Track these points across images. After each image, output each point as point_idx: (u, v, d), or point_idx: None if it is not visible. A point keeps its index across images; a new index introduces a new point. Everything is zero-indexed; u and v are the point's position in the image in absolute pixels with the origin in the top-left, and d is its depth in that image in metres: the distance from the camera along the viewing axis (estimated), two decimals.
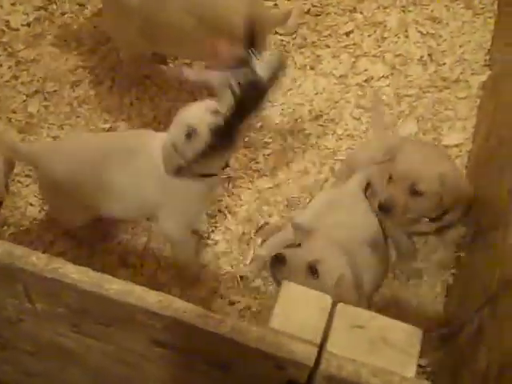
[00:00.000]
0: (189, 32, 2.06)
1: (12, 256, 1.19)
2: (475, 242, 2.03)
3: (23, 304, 1.32)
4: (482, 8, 2.60)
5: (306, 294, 1.16)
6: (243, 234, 2.20)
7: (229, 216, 2.22)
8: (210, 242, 2.19)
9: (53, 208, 2.16)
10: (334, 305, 1.13)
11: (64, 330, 1.37)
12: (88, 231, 2.13)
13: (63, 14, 2.58)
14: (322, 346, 1.11)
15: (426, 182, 1.84)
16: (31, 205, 2.27)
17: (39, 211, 2.25)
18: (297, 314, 1.13)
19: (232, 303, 2.09)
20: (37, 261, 1.18)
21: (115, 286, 1.17)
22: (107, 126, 2.38)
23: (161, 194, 1.87)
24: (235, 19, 2.01)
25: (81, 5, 2.60)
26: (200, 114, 1.73)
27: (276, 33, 2.57)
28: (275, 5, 2.63)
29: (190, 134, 1.72)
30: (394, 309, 2.11)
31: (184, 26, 2.06)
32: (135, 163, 1.86)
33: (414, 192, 1.85)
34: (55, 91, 2.44)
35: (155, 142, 1.85)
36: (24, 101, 2.43)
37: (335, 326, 1.11)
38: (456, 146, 2.35)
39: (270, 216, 2.21)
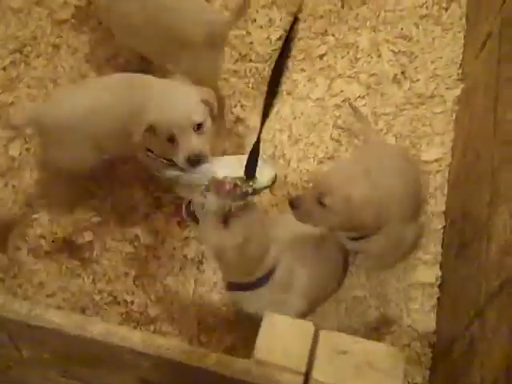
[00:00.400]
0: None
1: None
2: (460, 255, 2.04)
3: (10, 351, 1.32)
4: (451, 23, 2.64)
5: (287, 322, 1.16)
6: None
7: None
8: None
9: (59, 160, 2.21)
10: (316, 331, 1.14)
11: (53, 375, 1.37)
12: None
13: (38, 56, 2.60)
14: (307, 375, 1.11)
15: (331, 196, 1.84)
16: (18, 248, 2.27)
17: (26, 255, 2.26)
18: (280, 343, 1.13)
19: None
20: (19, 308, 1.19)
21: (98, 328, 1.17)
22: None
23: None
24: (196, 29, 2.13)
25: (55, 46, 2.62)
26: None
27: (251, 60, 2.60)
28: (248, 33, 2.66)
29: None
30: (385, 328, 2.12)
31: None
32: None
33: (320, 202, 1.86)
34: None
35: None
36: (5, 145, 2.43)
37: (319, 352, 1.12)
38: (436, 160, 2.37)
39: None
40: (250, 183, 1.76)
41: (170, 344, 1.14)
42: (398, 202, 1.98)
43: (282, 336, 1.15)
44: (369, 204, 1.85)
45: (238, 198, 1.74)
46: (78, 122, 2.06)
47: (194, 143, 1.92)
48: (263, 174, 1.86)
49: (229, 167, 1.87)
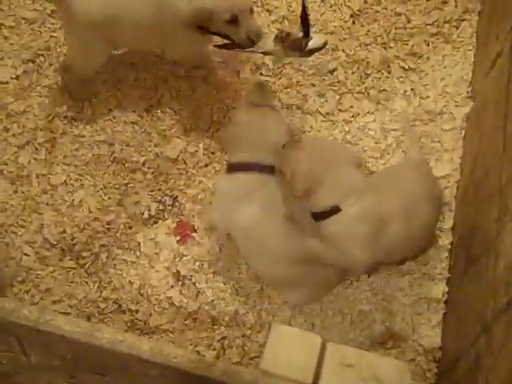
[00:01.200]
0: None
1: (4, 310, 1.20)
2: (467, 272, 2.04)
3: (18, 357, 1.33)
4: (461, 42, 2.65)
5: (295, 334, 1.17)
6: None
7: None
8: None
9: (75, 52, 2.38)
10: (323, 344, 1.14)
11: (60, 381, 1.37)
12: None
13: (50, 65, 2.62)
14: None
15: None
16: (26, 255, 2.29)
17: (34, 261, 2.27)
18: (287, 355, 1.14)
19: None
20: (28, 314, 1.19)
21: (106, 336, 1.18)
22: None
23: None
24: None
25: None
26: None
27: (261, 74, 2.62)
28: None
29: None
30: (390, 342, 2.12)
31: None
32: None
33: None
34: (46, 141, 2.47)
35: None
36: (15, 152, 2.46)
37: (326, 365, 1.12)
38: (444, 177, 2.38)
39: None
40: (306, 41, 2.16)
41: (177, 353, 1.15)
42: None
43: (289, 347, 1.15)
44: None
45: (298, 50, 2.17)
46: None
47: (253, 23, 2.21)
48: (316, 37, 2.21)
49: None
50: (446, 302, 2.16)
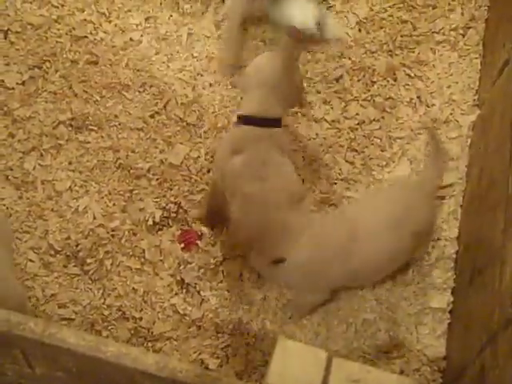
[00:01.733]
0: None
1: (9, 323, 1.20)
2: (473, 282, 2.03)
3: (23, 369, 1.32)
4: (468, 49, 2.64)
5: (301, 349, 1.16)
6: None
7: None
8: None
9: None
10: (329, 359, 1.14)
11: None
12: None
13: (56, 71, 2.62)
14: None
15: None
16: (31, 261, 2.29)
17: (39, 267, 2.28)
18: (293, 370, 1.13)
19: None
20: (34, 327, 1.19)
21: (112, 349, 1.18)
22: None
23: None
24: None
25: (74, 61, 2.64)
26: None
27: None
28: None
29: None
30: (394, 352, 2.12)
31: None
32: None
33: None
34: (51, 147, 2.47)
35: None
36: (20, 158, 2.46)
37: (332, 381, 1.12)
38: (450, 185, 2.37)
39: None
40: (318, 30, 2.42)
41: (182, 367, 1.15)
42: None
43: (294, 362, 1.15)
44: None
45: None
46: None
47: None
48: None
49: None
50: (451, 312, 2.15)
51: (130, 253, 2.30)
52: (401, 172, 2.41)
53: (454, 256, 2.24)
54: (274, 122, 2.10)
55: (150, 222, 2.34)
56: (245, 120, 2.10)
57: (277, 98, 2.09)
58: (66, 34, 2.68)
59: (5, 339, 1.21)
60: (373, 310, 2.19)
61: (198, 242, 2.31)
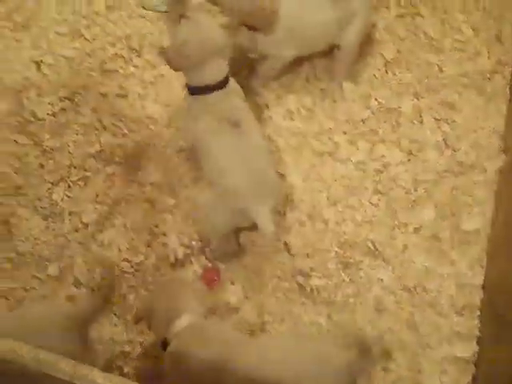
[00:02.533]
0: None
1: (39, 362, 1.21)
2: (499, 331, 2.01)
3: None
4: (494, 94, 2.65)
5: None
6: None
7: None
8: None
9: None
10: None
11: None
12: None
13: (87, 103, 2.66)
14: None
15: None
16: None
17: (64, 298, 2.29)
18: None
19: None
20: (65, 367, 1.20)
21: None
22: None
23: None
24: None
25: (104, 95, 2.69)
26: None
27: (292, 119, 2.64)
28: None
29: None
30: None
31: None
32: None
33: None
34: (79, 179, 2.50)
35: None
36: (49, 189, 2.49)
37: None
38: (475, 231, 2.37)
39: None
40: None
41: None
42: None
43: None
44: None
45: None
46: None
47: None
48: None
49: None
50: (475, 363, 2.12)
51: (153, 288, 2.30)
52: (426, 216, 2.40)
53: (479, 304, 2.22)
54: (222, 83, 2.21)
55: (172, 259, 2.34)
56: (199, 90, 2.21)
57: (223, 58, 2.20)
58: (98, 67, 2.73)
59: (35, 378, 1.22)
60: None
61: (217, 278, 2.31)
